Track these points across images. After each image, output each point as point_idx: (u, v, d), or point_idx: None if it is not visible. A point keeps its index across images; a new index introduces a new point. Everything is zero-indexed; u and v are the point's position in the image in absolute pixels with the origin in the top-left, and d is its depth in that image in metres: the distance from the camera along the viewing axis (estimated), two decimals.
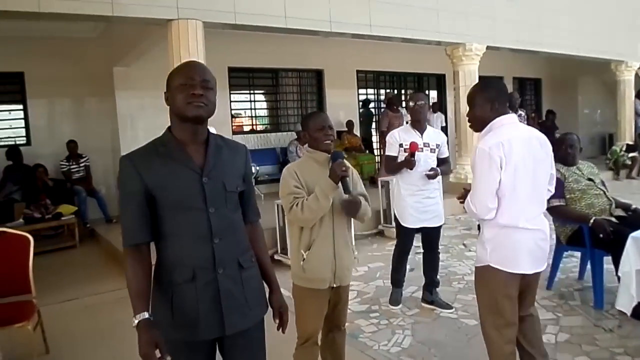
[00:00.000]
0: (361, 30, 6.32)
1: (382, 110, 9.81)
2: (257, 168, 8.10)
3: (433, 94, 11.52)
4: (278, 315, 1.92)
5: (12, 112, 8.06)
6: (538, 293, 2.75)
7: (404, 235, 3.94)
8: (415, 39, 7.05)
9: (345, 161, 2.34)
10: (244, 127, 9.40)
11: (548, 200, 2.56)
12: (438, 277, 4.00)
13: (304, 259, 2.41)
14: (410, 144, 3.68)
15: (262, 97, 9.59)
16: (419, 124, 3.84)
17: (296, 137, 8.44)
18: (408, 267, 4.18)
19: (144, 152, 1.69)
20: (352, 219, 2.55)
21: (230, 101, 8.81)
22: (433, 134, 3.91)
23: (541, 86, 13.94)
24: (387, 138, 3.93)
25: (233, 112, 8.99)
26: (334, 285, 2.46)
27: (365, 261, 5.29)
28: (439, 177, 3.89)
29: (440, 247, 4.06)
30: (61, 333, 3.94)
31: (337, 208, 2.41)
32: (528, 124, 6.16)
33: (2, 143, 7.95)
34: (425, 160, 3.79)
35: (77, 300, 4.73)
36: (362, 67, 10.12)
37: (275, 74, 9.37)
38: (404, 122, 5.85)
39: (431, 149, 3.83)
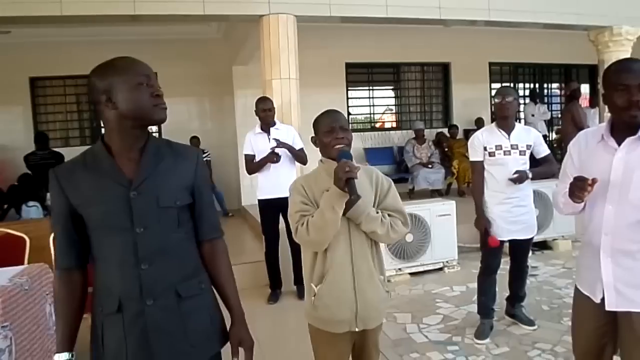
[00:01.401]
0: (477, 15, 5.58)
1: (567, 104, 8.58)
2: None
3: (585, 88, 10.01)
4: (236, 353, 1.56)
5: None
6: None
7: (492, 249, 3.35)
8: (550, 23, 6.05)
9: (350, 161, 1.80)
10: (362, 124, 9.08)
11: None
12: (525, 290, 3.59)
13: (315, 294, 1.96)
14: (490, 239, 3.29)
15: (382, 94, 9.15)
16: (505, 123, 3.24)
17: (414, 136, 7.90)
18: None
19: (70, 166, 1.49)
20: (381, 242, 2.02)
21: (348, 98, 8.55)
22: (523, 134, 3.27)
23: None
24: (470, 141, 3.41)
25: (350, 109, 8.71)
26: (357, 329, 1.97)
27: (465, 279, 4.66)
28: (527, 182, 3.26)
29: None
30: None
31: (356, 228, 1.92)
32: None
33: None
34: (514, 165, 3.22)
35: None
36: (495, 59, 9.14)
37: (397, 69, 8.88)
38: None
39: (520, 151, 3.24)
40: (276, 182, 4.09)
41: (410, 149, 7.77)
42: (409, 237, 4.84)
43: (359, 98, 8.84)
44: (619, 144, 1.79)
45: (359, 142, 8.50)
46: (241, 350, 1.58)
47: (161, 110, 1.46)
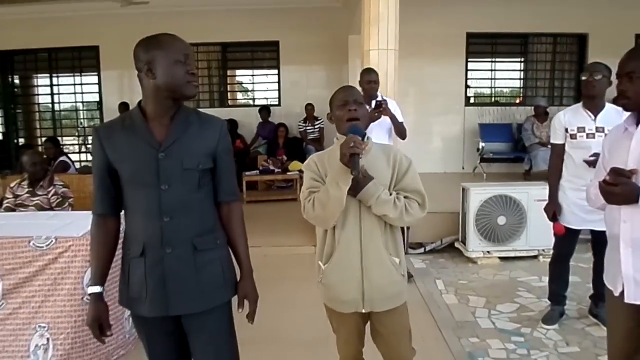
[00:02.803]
0: None
1: None
2: (482, 144, 7.38)
3: None
4: (242, 304, 1.77)
5: (268, 76, 9.24)
6: None
7: (563, 237, 3.14)
8: None
9: (357, 137, 1.75)
10: (482, 98, 8.60)
11: None
12: None
13: (322, 273, 1.99)
14: (555, 225, 3.07)
15: (506, 66, 8.53)
16: (592, 103, 2.94)
17: (534, 112, 7.32)
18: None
19: (110, 125, 1.70)
20: (395, 225, 1.94)
21: (467, 70, 8.14)
22: (614, 116, 2.85)
23: None
24: (552, 121, 3.12)
25: (469, 81, 8.29)
26: (363, 311, 1.96)
27: None
28: None
29: None
30: None
31: (367, 209, 1.89)
32: None
33: (260, 103, 9.25)
34: (598, 149, 2.83)
35: (258, 248, 5.21)
36: None
37: (524, 40, 8.19)
38: None
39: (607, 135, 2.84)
40: None
41: (529, 127, 7.21)
42: (501, 220, 4.61)
43: (480, 70, 8.35)
44: None
45: (475, 117, 8.11)
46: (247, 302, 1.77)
47: (193, 87, 1.62)
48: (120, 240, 1.76)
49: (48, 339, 2.80)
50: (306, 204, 1.91)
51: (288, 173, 7.71)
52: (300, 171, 7.76)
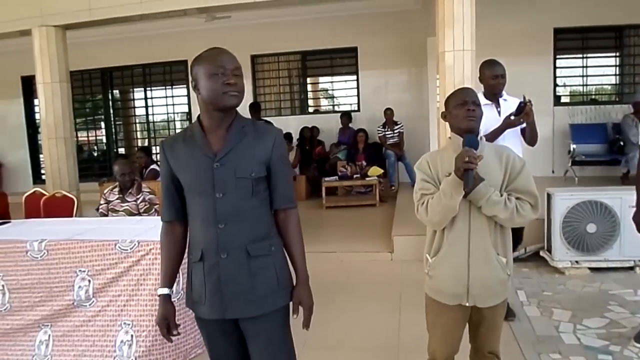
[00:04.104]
0: None
1: None
2: (574, 146, 6.93)
3: None
4: (296, 310, 1.81)
5: (347, 82, 9.30)
6: None
7: None
8: None
9: (471, 151, 1.83)
10: (572, 97, 8.06)
11: None
12: None
13: (429, 264, 2.09)
14: None
15: (599, 62, 7.93)
16: None
17: (633, 110, 6.74)
18: None
19: (174, 138, 1.81)
20: (505, 225, 2.00)
21: (555, 67, 7.67)
22: None
23: None
24: None
25: (558, 80, 7.81)
26: (467, 304, 2.02)
27: None
28: None
29: None
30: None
31: (477, 209, 1.95)
32: None
33: (339, 109, 9.33)
34: None
35: (333, 254, 5.24)
36: None
37: (619, 32, 7.58)
38: None
39: None
40: None
41: (630, 123, 6.65)
42: (591, 228, 4.30)
43: (570, 67, 7.84)
44: None
45: (566, 117, 7.61)
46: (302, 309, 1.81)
47: (231, 97, 1.64)
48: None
49: (132, 336, 3.00)
50: (419, 206, 2.00)
51: (367, 179, 7.69)
52: (379, 177, 7.75)
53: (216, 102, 1.65)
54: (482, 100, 3.21)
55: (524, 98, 3.16)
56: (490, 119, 3.20)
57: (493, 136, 3.18)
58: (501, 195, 1.92)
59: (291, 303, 1.82)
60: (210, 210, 1.68)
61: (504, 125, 3.22)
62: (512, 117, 3.20)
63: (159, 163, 8.02)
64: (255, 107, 8.12)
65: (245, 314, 1.73)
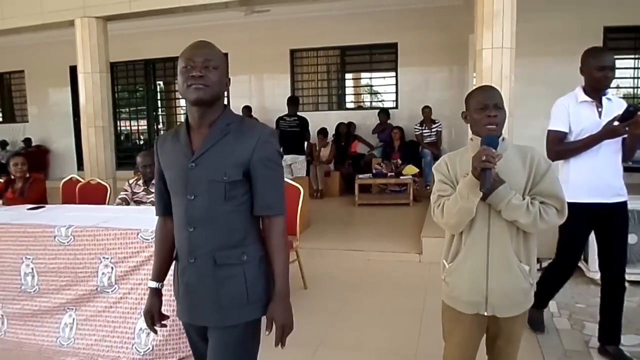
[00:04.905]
0: None
1: None
2: None
3: None
4: (269, 327, 1.64)
5: (386, 79, 9.17)
6: None
7: None
8: None
9: (490, 149, 1.73)
10: (624, 99, 7.66)
11: None
12: None
13: (445, 270, 2.03)
14: None
15: None
16: None
17: None
18: None
19: (165, 135, 1.77)
20: (528, 231, 1.88)
21: None
22: None
23: None
24: None
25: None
26: (486, 314, 1.93)
27: None
28: None
29: None
30: (328, 276, 4.54)
31: (497, 213, 1.85)
32: None
33: (377, 105, 9.22)
34: None
35: (361, 252, 5.18)
36: None
37: None
38: None
39: None
40: (602, 178, 2.81)
41: None
42: (632, 239, 4.06)
43: (621, 68, 7.45)
44: None
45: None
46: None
47: (194, 90, 1.54)
48: None
49: None
50: (435, 208, 1.93)
51: (401, 177, 7.57)
52: (414, 176, 7.61)
53: (185, 97, 1.59)
54: (581, 96, 2.84)
55: (630, 107, 2.66)
56: (588, 120, 2.79)
57: (588, 143, 2.75)
58: (524, 199, 1.82)
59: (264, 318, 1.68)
60: (182, 211, 1.63)
61: (605, 132, 2.68)
62: (616, 123, 2.65)
63: None
64: (293, 101, 8.08)
65: (208, 323, 1.67)
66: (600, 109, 2.80)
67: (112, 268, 3.12)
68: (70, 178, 5.05)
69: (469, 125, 1.97)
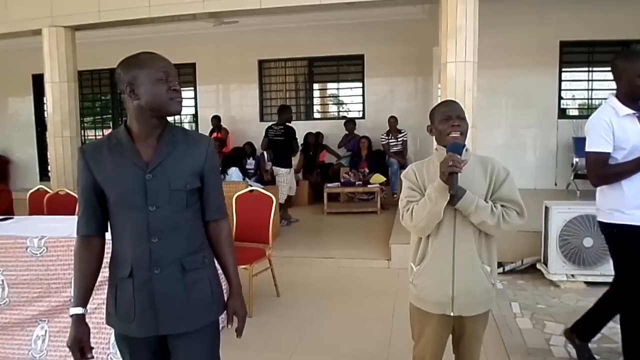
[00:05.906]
0: None
1: None
2: (577, 160, 6.92)
3: None
4: (231, 321, 1.77)
5: (353, 89, 9.35)
6: None
7: None
8: None
9: (456, 156, 1.84)
10: (577, 110, 8.06)
11: None
12: None
13: (413, 273, 2.12)
14: None
15: (604, 76, 7.92)
16: None
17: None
18: None
19: (97, 145, 1.67)
20: (492, 233, 2.01)
21: (560, 80, 7.68)
22: None
23: None
24: None
25: (562, 93, 7.82)
26: (452, 314, 2.04)
27: None
28: None
29: None
30: (300, 283, 4.61)
31: (462, 218, 1.97)
32: None
33: (345, 115, 9.39)
34: None
35: (332, 259, 5.27)
36: None
37: (626, 47, 7.55)
38: None
39: None
40: None
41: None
42: (588, 242, 4.30)
43: (576, 81, 7.85)
44: None
45: (570, 130, 7.60)
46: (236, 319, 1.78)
47: (176, 103, 1.60)
48: (106, 261, 1.74)
49: None
50: (404, 213, 2.02)
51: (369, 186, 7.73)
52: (381, 184, 7.78)
53: (161, 109, 1.59)
54: (620, 109, 2.48)
55: None
56: (636, 134, 2.43)
57: (629, 169, 2.41)
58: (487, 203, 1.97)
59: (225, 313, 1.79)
60: (142, 224, 1.60)
61: None
62: None
63: None
64: (281, 110, 7.18)
65: (180, 329, 1.68)
66: None
67: None
68: (38, 189, 4.97)
69: (434, 137, 2.09)
